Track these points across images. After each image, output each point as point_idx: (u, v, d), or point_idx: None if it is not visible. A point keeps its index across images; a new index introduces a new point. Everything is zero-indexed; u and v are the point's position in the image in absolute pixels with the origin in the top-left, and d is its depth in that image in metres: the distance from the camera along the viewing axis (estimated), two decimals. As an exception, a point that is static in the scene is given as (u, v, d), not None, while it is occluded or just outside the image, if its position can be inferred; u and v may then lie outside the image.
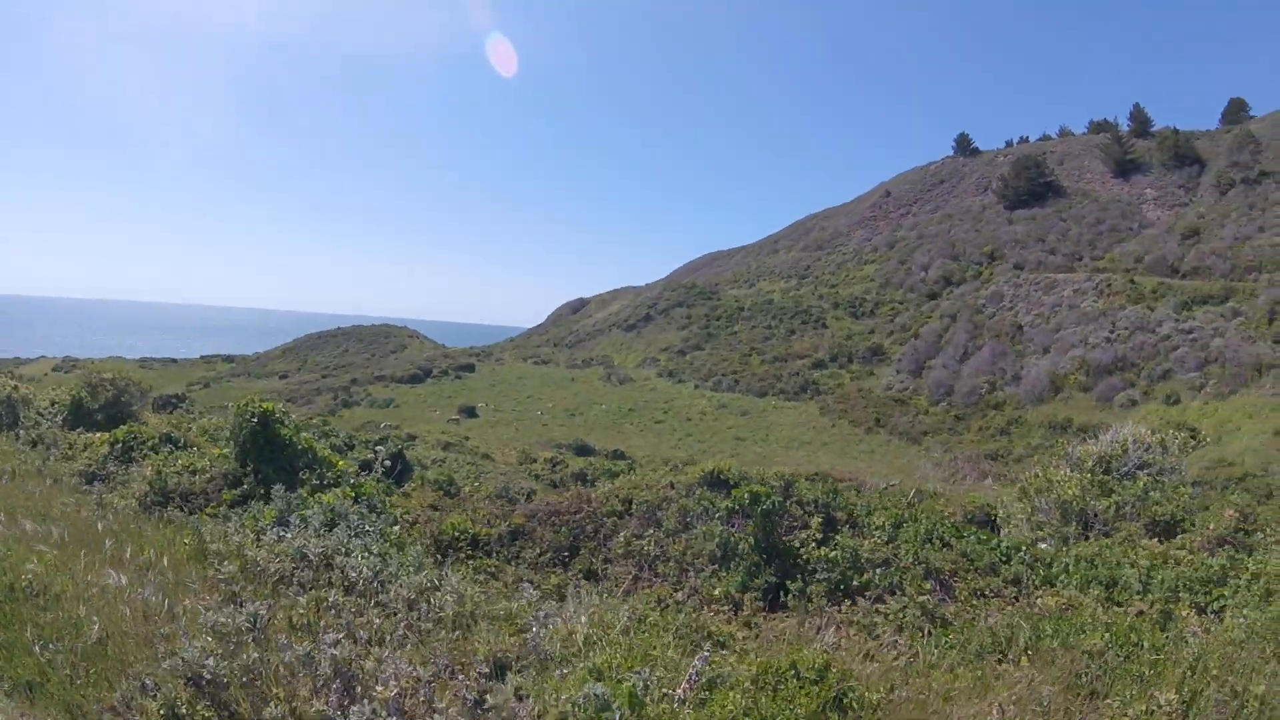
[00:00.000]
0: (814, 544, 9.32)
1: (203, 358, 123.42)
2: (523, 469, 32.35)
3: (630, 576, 9.18)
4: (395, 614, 6.51)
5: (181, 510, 10.85)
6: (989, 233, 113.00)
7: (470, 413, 74.77)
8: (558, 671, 5.66)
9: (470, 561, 9.17)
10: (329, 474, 11.99)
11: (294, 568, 7.32)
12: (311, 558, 7.47)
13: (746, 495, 9.48)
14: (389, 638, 6.02)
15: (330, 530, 8.31)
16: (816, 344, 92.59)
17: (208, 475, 12.36)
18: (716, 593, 8.54)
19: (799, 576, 8.87)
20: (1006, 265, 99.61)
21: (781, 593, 8.71)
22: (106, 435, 16.72)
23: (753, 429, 71.38)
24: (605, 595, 7.92)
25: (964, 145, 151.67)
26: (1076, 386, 69.10)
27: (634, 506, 10.66)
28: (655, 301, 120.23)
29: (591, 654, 5.85)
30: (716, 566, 9.15)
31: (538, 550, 9.78)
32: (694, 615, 7.28)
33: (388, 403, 79.72)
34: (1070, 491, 14.98)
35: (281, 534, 8.21)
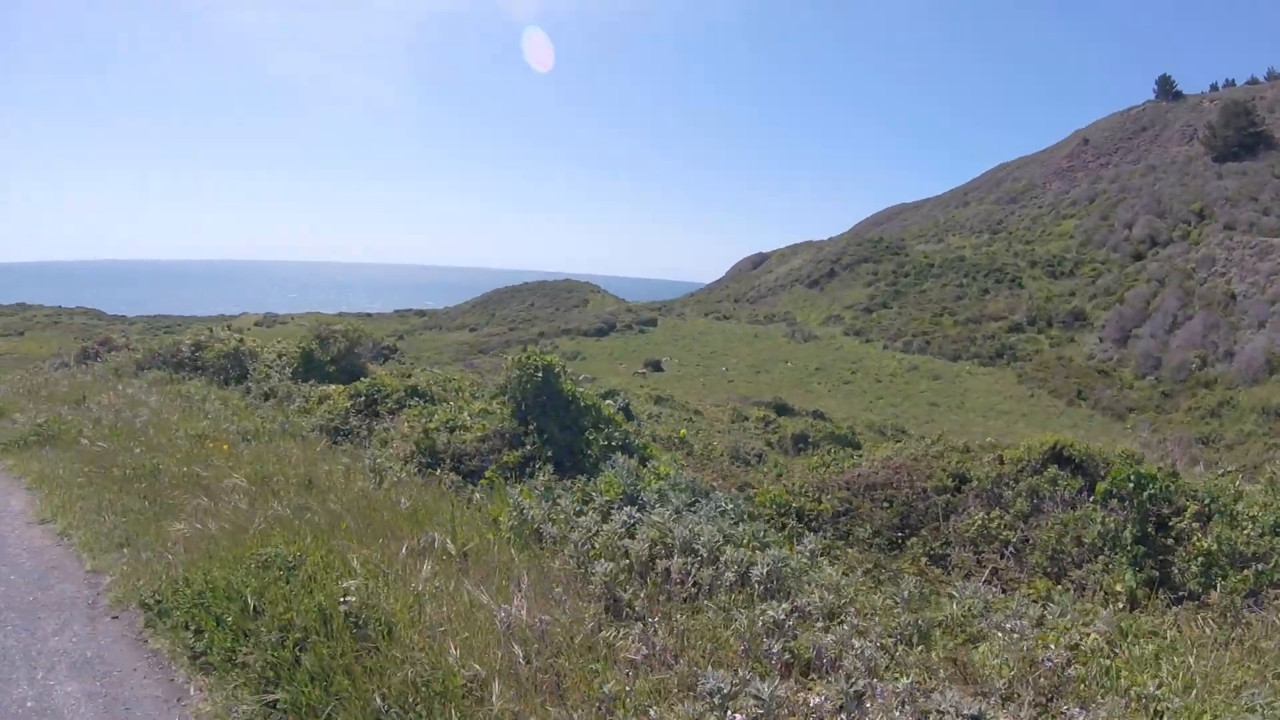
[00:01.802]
0: (1198, 534, 8.16)
1: (396, 312, 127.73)
2: (736, 427, 31.43)
3: (988, 566, 8.22)
4: (838, 621, 5.33)
5: (456, 474, 10.23)
6: (1196, 188, 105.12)
7: (656, 367, 74.65)
8: (1116, 701, 4.69)
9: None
10: (616, 434, 11.14)
11: (683, 564, 6.02)
12: (702, 550, 6.10)
13: (1131, 477, 8.43)
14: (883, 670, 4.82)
15: (691, 509, 7.08)
16: (1012, 305, 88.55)
17: (479, 434, 11.51)
18: (1119, 588, 7.56)
19: (1175, 570, 7.87)
20: (1216, 225, 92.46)
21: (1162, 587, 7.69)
22: (344, 388, 16.53)
23: (946, 394, 68.81)
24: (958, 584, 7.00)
25: (1166, 88, 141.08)
26: (1295, 368, 63.71)
27: (972, 484, 9.59)
28: (839, 256, 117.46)
29: (1165, 679, 4.97)
30: (1105, 557, 8.07)
31: (870, 529, 8.88)
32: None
33: (574, 355, 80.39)
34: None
35: (634, 515, 6.90)
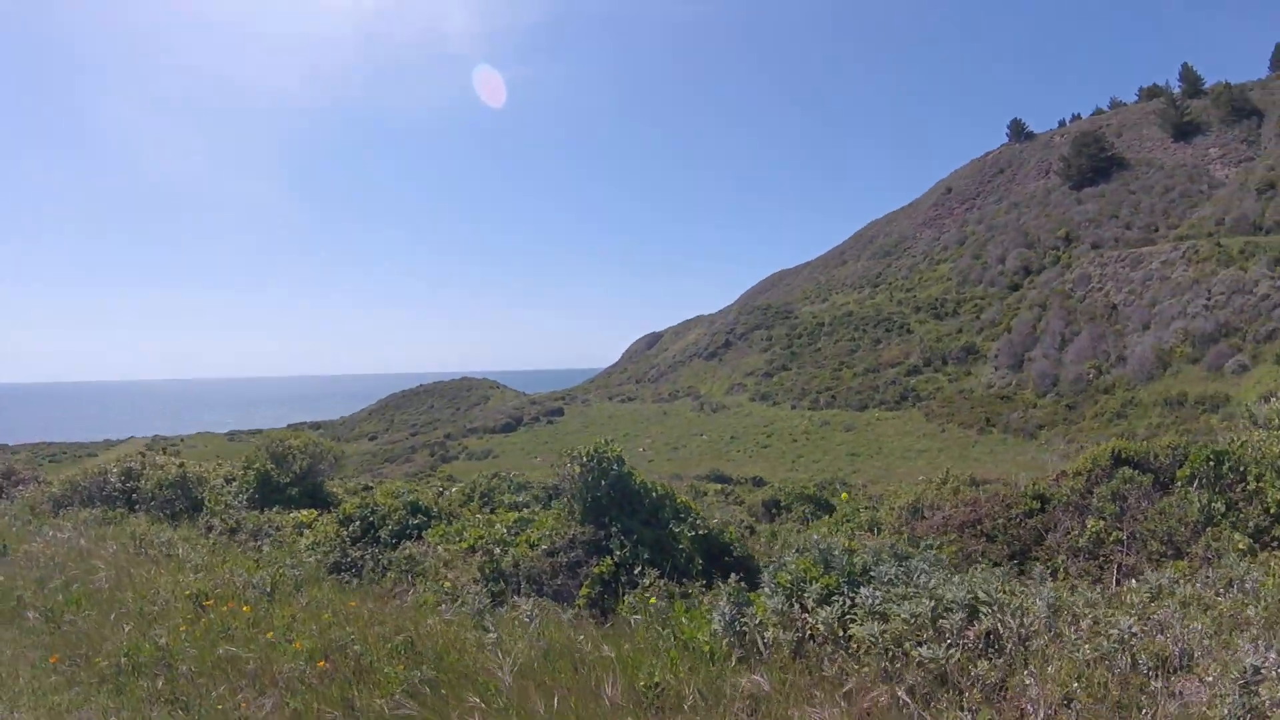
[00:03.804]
0: (1270, 489, 8.79)
1: (289, 426, 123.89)
2: (701, 503, 30.67)
3: (1113, 565, 8.37)
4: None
5: (541, 598, 8.71)
6: (1059, 215, 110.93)
7: (572, 457, 73.73)
8: None
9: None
10: (699, 523, 10.38)
11: (990, 626, 5.29)
12: (983, 609, 5.42)
13: (1210, 456, 9.12)
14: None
15: (910, 575, 6.09)
16: (906, 350, 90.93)
17: (545, 548, 10.11)
18: (1241, 546, 7.89)
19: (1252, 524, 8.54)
20: (1084, 246, 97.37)
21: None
22: (320, 514, 15.08)
23: (863, 443, 69.86)
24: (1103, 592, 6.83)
25: (1018, 130, 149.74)
26: (1184, 359, 66.99)
27: (1053, 502, 9.69)
28: (732, 327, 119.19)
29: None
30: (1214, 529, 8.50)
31: (990, 563, 8.70)
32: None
33: (486, 454, 79.24)
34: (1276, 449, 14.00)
35: (874, 595, 5.83)
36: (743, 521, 22.08)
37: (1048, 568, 8.10)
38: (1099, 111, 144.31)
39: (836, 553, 6.34)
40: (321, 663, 6.91)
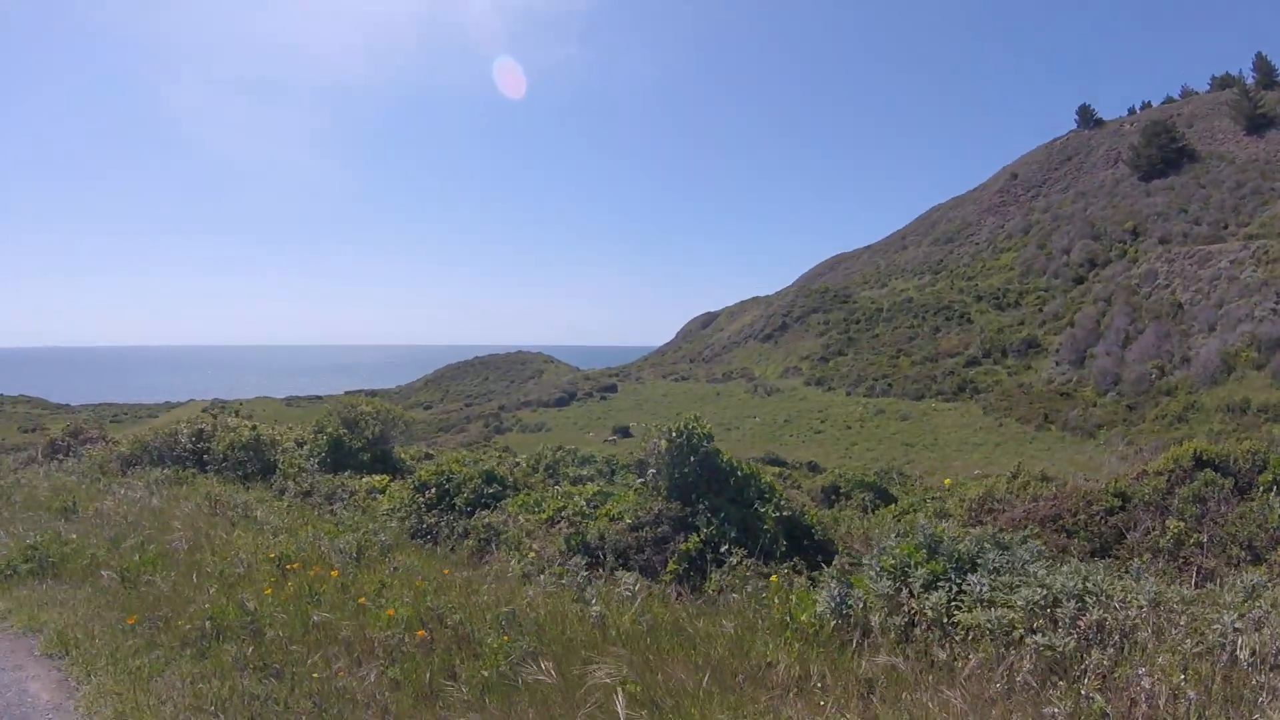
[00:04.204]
0: None
1: (346, 394, 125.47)
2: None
3: (1193, 568, 8.31)
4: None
5: (626, 571, 8.73)
6: (1127, 207, 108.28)
7: (624, 433, 74.05)
8: None
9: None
10: (783, 504, 10.42)
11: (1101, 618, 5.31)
12: (1090, 599, 5.50)
13: None
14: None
15: (1011, 565, 6.03)
16: (966, 340, 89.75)
17: (629, 522, 9.98)
18: None
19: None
20: (1152, 240, 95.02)
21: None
22: (392, 479, 15.37)
23: (917, 433, 69.19)
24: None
25: (1086, 117, 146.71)
26: (1249, 364, 65.05)
27: (1132, 501, 9.69)
28: (789, 309, 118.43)
29: None
30: None
31: (1075, 557, 8.76)
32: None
33: (539, 427, 79.82)
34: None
35: (982, 581, 5.76)
36: (805, 505, 22.03)
37: (1141, 564, 8.12)
38: (1169, 100, 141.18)
39: (944, 539, 6.29)
40: (420, 632, 6.71)
